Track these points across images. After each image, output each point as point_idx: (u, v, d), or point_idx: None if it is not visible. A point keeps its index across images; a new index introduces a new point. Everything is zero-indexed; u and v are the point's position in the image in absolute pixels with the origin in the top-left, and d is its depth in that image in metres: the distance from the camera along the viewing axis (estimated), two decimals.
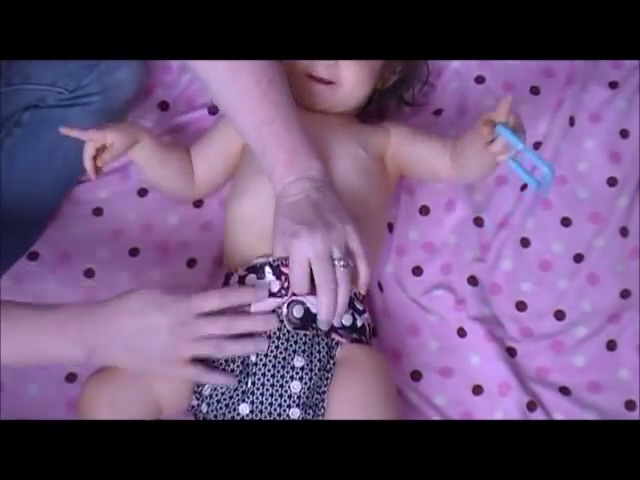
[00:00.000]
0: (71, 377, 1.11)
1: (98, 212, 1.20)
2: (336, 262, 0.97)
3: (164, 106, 1.26)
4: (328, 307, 0.97)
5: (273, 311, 1.00)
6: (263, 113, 1.03)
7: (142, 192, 1.21)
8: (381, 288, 1.16)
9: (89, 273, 1.17)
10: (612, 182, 1.22)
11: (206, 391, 1.01)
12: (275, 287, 1.01)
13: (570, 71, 1.27)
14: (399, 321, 1.15)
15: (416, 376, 1.12)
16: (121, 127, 1.10)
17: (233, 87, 1.03)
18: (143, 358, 0.95)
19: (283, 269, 1.01)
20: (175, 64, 1.28)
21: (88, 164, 1.08)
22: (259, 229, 1.07)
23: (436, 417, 1.10)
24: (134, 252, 1.18)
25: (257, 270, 1.03)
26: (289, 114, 1.04)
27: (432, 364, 1.13)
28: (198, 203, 1.21)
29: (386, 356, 1.11)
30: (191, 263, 1.18)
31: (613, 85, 1.26)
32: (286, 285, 1.01)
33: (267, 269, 1.02)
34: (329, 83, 1.13)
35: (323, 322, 0.98)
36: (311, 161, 1.02)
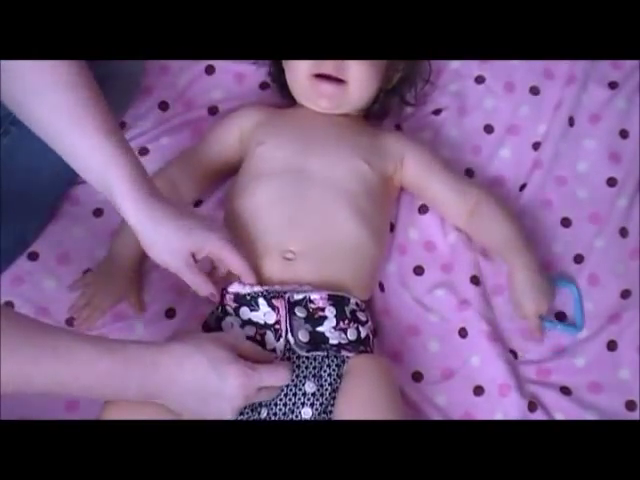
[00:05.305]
0: None
1: (98, 212, 1.20)
2: None
3: (164, 106, 1.26)
4: None
5: (279, 339, 1.00)
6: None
7: None
8: (382, 288, 1.16)
9: None
10: (612, 182, 1.22)
11: None
12: (271, 319, 1.01)
13: (570, 71, 1.27)
14: (400, 321, 1.15)
15: (417, 376, 1.12)
16: (105, 289, 1.11)
17: None
18: (203, 412, 0.94)
19: (274, 301, 1.00)
20: (175, 64, 1.28)
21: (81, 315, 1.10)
22: (258, 229, 1.07)
23: (437, 417, 1.10)
24: None
25: (249, 302, 1.01)
26: None
27: (433, 365, 1.13)
28: (198, 203, 1.21)
29: (387, 356, 1.11)
30: None
31: (613, 85, 1.26)
32: (283, 313, 1.00)
33: (261, 301, 1.01)
34: (337, 81, 1.11)
35: None
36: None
